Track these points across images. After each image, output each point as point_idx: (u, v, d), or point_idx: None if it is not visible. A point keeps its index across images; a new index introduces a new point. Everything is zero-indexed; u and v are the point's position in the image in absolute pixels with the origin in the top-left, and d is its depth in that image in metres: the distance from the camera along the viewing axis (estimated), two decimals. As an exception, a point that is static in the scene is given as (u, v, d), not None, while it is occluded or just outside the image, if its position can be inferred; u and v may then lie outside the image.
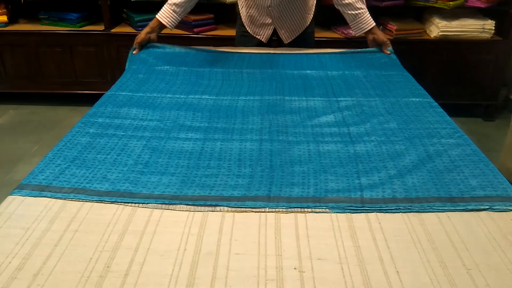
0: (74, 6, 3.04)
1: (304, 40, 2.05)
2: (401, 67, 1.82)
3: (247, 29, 2.03)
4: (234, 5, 3.04)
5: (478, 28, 2.84)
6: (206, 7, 2.94)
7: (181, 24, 2.94)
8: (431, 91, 1.58)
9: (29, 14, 3.12)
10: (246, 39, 2.06)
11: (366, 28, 1.84)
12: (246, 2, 1.97)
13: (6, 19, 2.98)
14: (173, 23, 1.83)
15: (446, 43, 2.88)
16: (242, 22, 2.05)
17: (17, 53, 3.00)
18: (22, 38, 2.96)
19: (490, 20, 2.85)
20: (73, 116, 2.97)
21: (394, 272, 0.77)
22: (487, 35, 2.88)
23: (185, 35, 2.92)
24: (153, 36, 1.88)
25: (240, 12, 2.06)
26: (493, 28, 2.85)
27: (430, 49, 2.91)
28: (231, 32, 2.93)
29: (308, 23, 2.03)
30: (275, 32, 2.00)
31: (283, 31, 1.98)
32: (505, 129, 2.35)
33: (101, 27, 2.97)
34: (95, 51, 2.99)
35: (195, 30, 2.89)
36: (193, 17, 2.87)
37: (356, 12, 1.82)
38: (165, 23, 1.82)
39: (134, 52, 1.84)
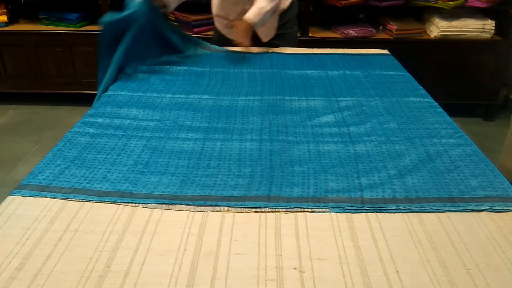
0: (74, 6, 3.04)
1: (283, 40, 2.03)
2: (401, 67, 1.82)
3: (226, 34, 2.03)
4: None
5: (478, 28, 2.84)
6: (206, 7, 2.94)
7: (181, 24, 2.94)
8: (431, 91, 1.58)
9: (29, 14, 3.12)
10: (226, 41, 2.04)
11: None
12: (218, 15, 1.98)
13: (6, 19, 2.98)
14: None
15: (446, 43, 2.88)
16: (219, 30, 2.05)
17: (17, 53, 3.00)
18: (22, 38, 2.96)
19: (490, 20, 2.85)
20: (73, 116, 2.97)
21: (394, 272, 0.77)
22: (487, 35, 2.88)
23: (185, 35, 2.92)
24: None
25: (215, 20, 2.06)
26: (493, 28, 2.85)
27: (430, 49, 2.92)
28: (231, 32, 2.94)
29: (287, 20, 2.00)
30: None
31: (260, 29, 1.93)
32: (505, 129, 2.35)
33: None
34: (95, 51, 2.97)
35: (195, 30, 2.89)
36: (193, 17, 2.87)
37: None
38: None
39: None
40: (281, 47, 2.01)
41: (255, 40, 1.97)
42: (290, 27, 2.05)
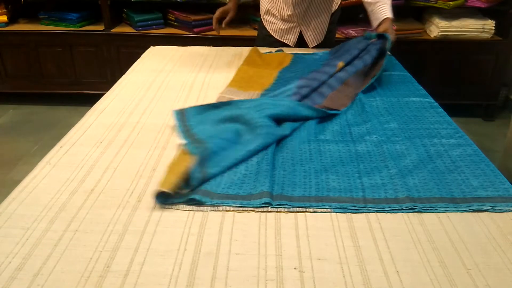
0: (74, 6, 3.05)
1: (326, 42, 2.02)
2: (401, 67, 1.82)
3: (273, 34, 2.00)
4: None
5: (478, 28, 2.85)
6: (206, 7, 2.94)
7: (181, 24, 2.95)
8: (431, 91, 1.57)
9: (29, 14, 3.13)
10: (271, 40, 2.02)
11: (380, 18, 1.72)
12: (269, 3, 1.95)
13: (6, 19, 2.98)
14: None
15: (446, 43, 2.88)
16: (266, 28, 2.02)
17: (17, 53, 3.00)
18: (22, 38, 2.96)
19: (490, 20, 2.86)
20: (73, 116, 2.97)
21: (394, 272, 0.77)
22: (487, 35, 2.88)
23: (185, 35, 2.92)
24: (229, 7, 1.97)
25: (263, 18, 2.03)
26: (493, 28, 2.85)
27: (430, 49, 2.92)
28: (231, 32, 2.94)
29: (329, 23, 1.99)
30: (300, 37, 1.98)
31: (308, 33, 1.96)
32: (505, 129, 2.36)
33: (101, 27, 2.97)
34: (95, 51, 3.00)
35: (195, 30, 2.89)
36: (193, 17, 2.88)
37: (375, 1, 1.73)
38: None
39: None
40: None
41: (302, 46, 1.99)
42: (333, 29, 2.04)
